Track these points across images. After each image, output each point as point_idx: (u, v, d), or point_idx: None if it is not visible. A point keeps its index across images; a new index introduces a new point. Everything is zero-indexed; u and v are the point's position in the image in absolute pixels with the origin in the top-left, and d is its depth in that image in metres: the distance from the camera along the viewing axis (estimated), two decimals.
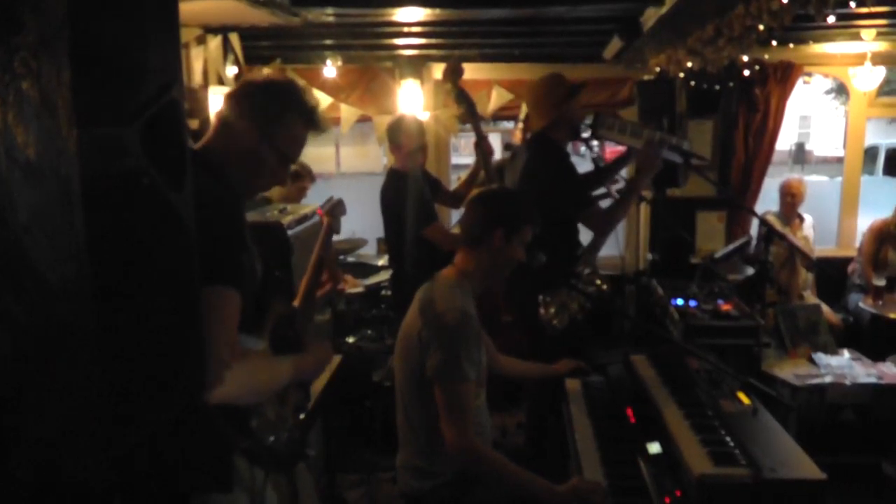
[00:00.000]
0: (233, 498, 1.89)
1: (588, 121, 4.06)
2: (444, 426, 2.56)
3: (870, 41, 5.77)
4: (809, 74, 7.20)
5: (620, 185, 4.25)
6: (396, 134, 4.51)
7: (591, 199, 3.98)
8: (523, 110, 6.15)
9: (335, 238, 2.78)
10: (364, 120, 6.87)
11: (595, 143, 4.23)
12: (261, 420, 1.96)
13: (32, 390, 1.01)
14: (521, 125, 5.75)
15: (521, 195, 2.99)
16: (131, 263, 1.20)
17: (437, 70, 6.54)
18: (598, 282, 3.43)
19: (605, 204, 4.05)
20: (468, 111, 4.62)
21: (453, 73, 4.55)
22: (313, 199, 4.54)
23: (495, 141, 5.16)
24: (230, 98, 2.05)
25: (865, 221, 6.29)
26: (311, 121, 2.09)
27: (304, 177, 5.73)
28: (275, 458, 2.01)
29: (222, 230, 1.81)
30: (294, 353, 2.14)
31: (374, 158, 24.88)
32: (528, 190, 3.73)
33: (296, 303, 2.42)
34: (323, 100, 6.57)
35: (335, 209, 2.64)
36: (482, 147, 4.59)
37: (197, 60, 5.09)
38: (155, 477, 1.36)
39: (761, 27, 3.78)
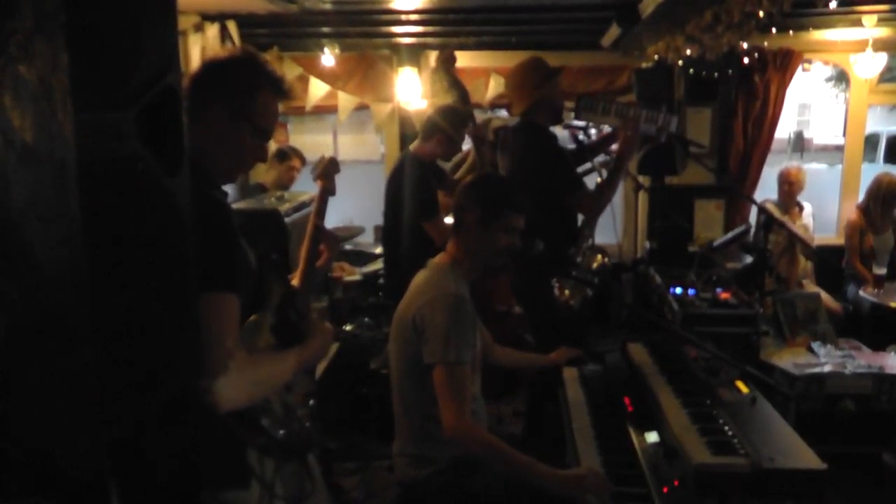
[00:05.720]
0: (245, 491, 1.89)
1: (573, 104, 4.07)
2: (441, 410, 2.55)
3: (871, 27, 5.71)
4: (809, 62, 7.17)
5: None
6: (450, 124, 4.44)
7: (581, 182, 3.98)
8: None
9: (335, 226, 2.75)
10: (361, 108, 6.84)
11: (593, 125, 4.24)
12: (270, 416, 1.95)
13: (25, 374, 1.00)
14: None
15: (505, 182, 2.98)
16: (126, 248, 1.19)
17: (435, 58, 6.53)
18: (599, 257, 3.46)
19: (589, 181, 4.06)
20: (461, 99, 4.60)
21: (445, 62, 4.53)
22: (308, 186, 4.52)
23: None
24: (195, 83, 1.96)
25: None
26: (280, 90, 2.04)
27: (291, 156, 5.76)
28: (286, 451, 2.00)
29: (211, 233, 1.76)
30: (297, 335, 2.12)
31: (372, 146, 24.90)
32: (520, 176, 3.73)
33: (294, 281, 2.38)
34: (320, 88, 6.56)
35: (328, 169, 2.49)
36: (476, 133, 4.57)
37: (194, 48, 5.07)
38: (158, 468, 1.36)
39: (761, 13, 3.77)
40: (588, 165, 4.27)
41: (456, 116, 4.50)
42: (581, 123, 4.07)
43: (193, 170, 1.85)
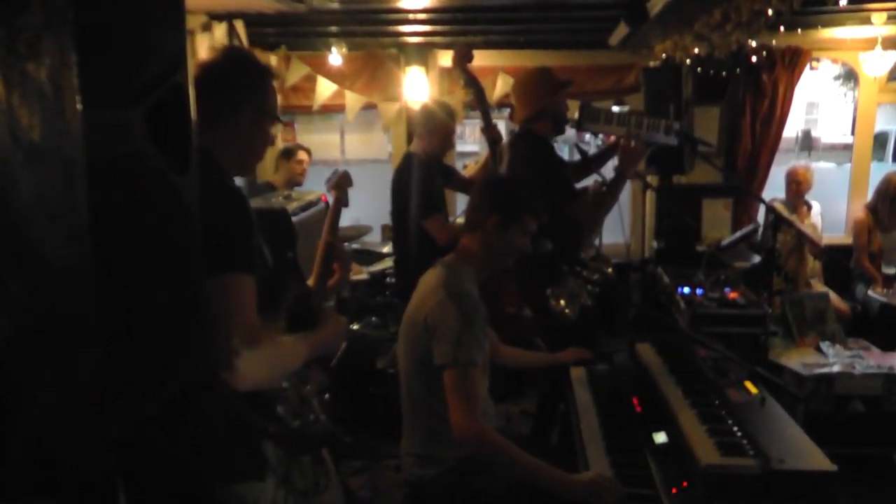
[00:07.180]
0: (261, 483, 1.91)
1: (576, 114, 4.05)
2: (452, 412, 2.53)
3: (880, 25, 5.66)
4: (817, 60, 7.14)
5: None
6: (426, 121, 4.49)
7: (575, 192, 3.96)
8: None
9: (343, 225, 2.76)
10: (369, 107, 6.85)
11: (600, 133, 4.21)
12: (286, 405, 1.97)
13: (30, 372, 1.00)
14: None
15: (523, 185, 2.98)
16: (134, 246, 1.19)
17: (443, 57, 6.52)
18: (606, 268, 3.42)
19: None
20: (477, 97, 4.58)
21: (463, 59, 4.51)
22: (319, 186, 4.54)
23: (500, 128, 5.13)
24: (206, 91, 1.85)
25: None
26: (273, 73, 2.17)
27: (297, 151, 5.80)
28: (302, 442, 2.02)
29: (232, 217, 1.83)
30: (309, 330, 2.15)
31: (379, 146, 24.91)
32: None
33: (310, 283, 2.42)
34: (328, 87, 6.56)
35: (342, 181, 2.59)
36: (490, 133, 4.55)
37: (202, 47, 5.07)
38: (166, 463, 1.36)
39: (770, 11, 3.76)
40: (598, 178, 4.24)
41: (447, 107, 4.60)
42: (572, 128, 4.07)
43: (213, 163, 1.92)
